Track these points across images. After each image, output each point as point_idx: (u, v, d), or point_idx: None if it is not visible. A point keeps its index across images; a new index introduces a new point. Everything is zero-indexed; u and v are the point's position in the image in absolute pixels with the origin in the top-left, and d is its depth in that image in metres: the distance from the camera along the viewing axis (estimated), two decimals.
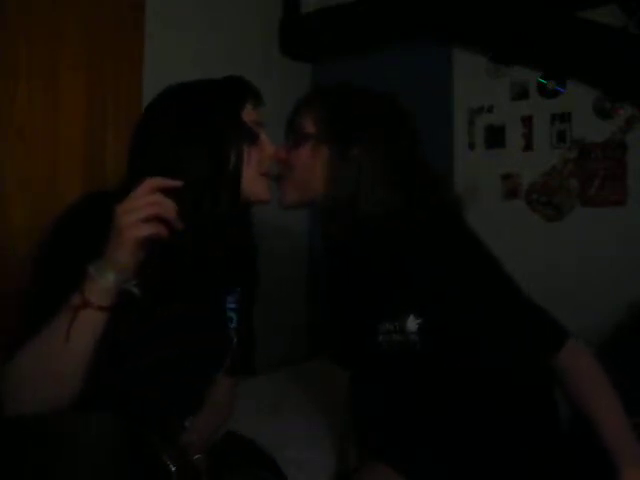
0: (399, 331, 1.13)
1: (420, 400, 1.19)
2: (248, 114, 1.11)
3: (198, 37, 2.33)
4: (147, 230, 0.88)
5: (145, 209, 0.88)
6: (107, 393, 0.96)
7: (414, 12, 2.36)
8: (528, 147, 2.35)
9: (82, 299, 0.88)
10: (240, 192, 1.06)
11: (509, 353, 1.11)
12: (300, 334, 2.66)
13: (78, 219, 1.03)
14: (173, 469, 0.88)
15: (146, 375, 1.03)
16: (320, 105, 1.19)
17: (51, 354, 0.88)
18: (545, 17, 2.14)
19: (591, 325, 2.08)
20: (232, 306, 1.21)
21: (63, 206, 1.96)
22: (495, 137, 2.41)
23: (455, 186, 2.44)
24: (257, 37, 2.60)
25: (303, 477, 1.40)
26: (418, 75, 2.56)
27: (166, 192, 0.91)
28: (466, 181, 2.44)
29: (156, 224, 0.90)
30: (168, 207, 0.90)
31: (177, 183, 0.92)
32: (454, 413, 1.17)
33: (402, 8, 2.38)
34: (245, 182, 1.07)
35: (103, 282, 0.88)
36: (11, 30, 1.76)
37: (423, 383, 1.18)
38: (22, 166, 1.79)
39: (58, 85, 1.87)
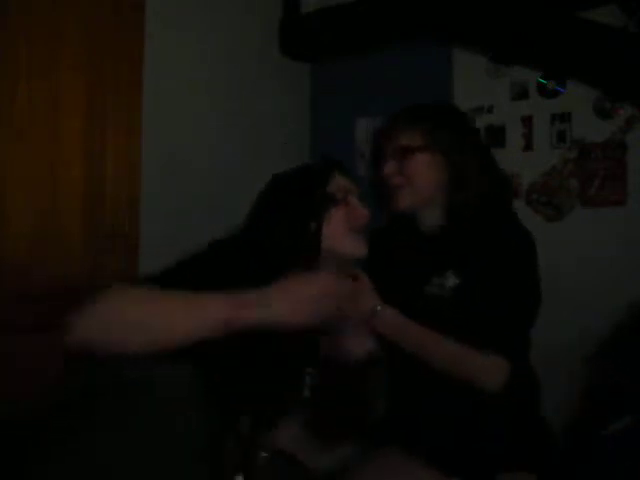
0: (439, 285, 1.36)
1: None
2: (336, 182, 1.31)
3: (198, 37, 2.33)
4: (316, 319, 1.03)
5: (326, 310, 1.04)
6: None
7: (414, 12, 2.36)
8: (528, 147, 2.35)
9: (227, 311, 0.98)
10: (319, 252, 1.25)
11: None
12: None
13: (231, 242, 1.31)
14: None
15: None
16: (423, 121, 1.42)
17: (167, 321, 0.97)
18: (545, 17, 2.14)
19: (591, 325, 2.08)
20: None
21: (63, 206, 1.97)
22: (495, 137, 2.40)
23: None
24: (257, 37, 2.60)
25: None
26: (418, 75, 2.56)
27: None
28: None
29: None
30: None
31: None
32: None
33: (402, 8, 2.38)
34: (333, 239, 1.26)
35: (248, 313, 0.99)
36: (11, 30, 1.76)
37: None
38: (22, 166, 1.79)
39: (58, 85, 1.87)
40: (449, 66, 2.51)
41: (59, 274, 1.86)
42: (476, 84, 2.46)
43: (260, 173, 2.60)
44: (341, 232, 1.25)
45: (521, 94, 2.36)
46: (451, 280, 1.35)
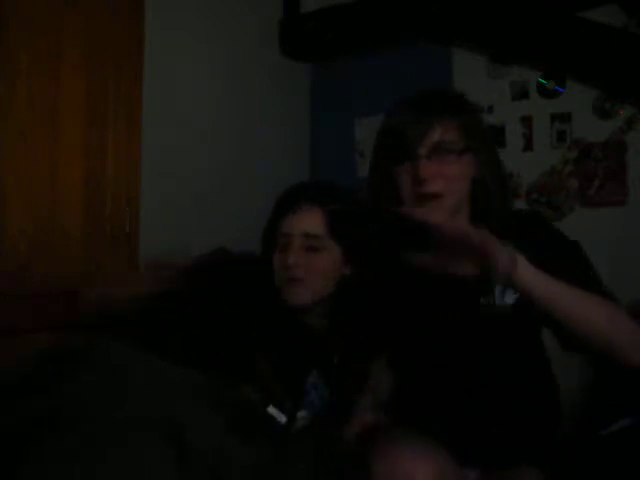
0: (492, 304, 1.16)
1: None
2: (288, 222, 1.32)
3: (198, 37, 2.33)
4: None
5: None
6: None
7: (414, 12, 2.36)
8: (528, 147, 2.35)
9: None
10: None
11: None
12: None
13: None
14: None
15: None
16: (457, 120, 1.22)
17: None
18: (545, 17, 2.14)
19: None
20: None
21: (63, 206, 1.97)
22: (495, 137, 2.40)
23: None
24: (257, 37, 2.60)
25: None
26: (418, 75, 2.55)
27: None
28: None
29: None
30: None
31: None
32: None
33: (402, 8, 2.38)
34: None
35: None
36: (11, 30, 1.76)
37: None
38: (22, 166, 1.79)
39: (58, 85, 1.87)
40: (449, 66, 2.51)
41: (59, 274, 1.86)
42: (476, 84, 2.46)
43: (260, 173, 2.61)
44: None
45: (521, 94, 2.36)
46: (507, 295, 1.15)
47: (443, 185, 1.14)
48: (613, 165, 2.18)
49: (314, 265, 1.29)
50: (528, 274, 1.01)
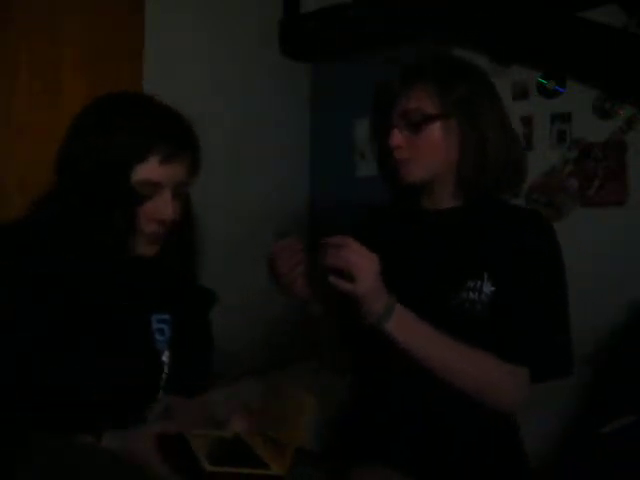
0: (478, 289, 1.12)
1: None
2: (149, 170, 1.04)
3: (198, 37, 2.33)
4: None
5: None
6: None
7: (414, 12, 2.36)
8: (528, 147, 2.34)
9: None
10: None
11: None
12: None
13: None
14: None
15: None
16: (433, 86, 1.17)
17: None
18: (545, 17, 2.14)
19: (591, 325, 2.08)
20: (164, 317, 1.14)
21: None
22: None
23: None
24: (257, 37, 2.60)
25: None
26: None
27: None
28: None
29: None
30: None
31: None
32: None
33: (402, 8, 2.38)
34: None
35: None
36: (11, 30, 1.76)
37: None
38: (22, 166, 1.79)
39: (58, 85, 1.87)
40: None
41: None
42: None
43: (260, 173, 2.61)
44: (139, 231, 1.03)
45: (521, 94, 2.36)
46: (487, 286, 1.11)
47: (410, 153, 1.17)
48: (613, 165, 2.18)
49: None
50: (402, 329, 1.03)
